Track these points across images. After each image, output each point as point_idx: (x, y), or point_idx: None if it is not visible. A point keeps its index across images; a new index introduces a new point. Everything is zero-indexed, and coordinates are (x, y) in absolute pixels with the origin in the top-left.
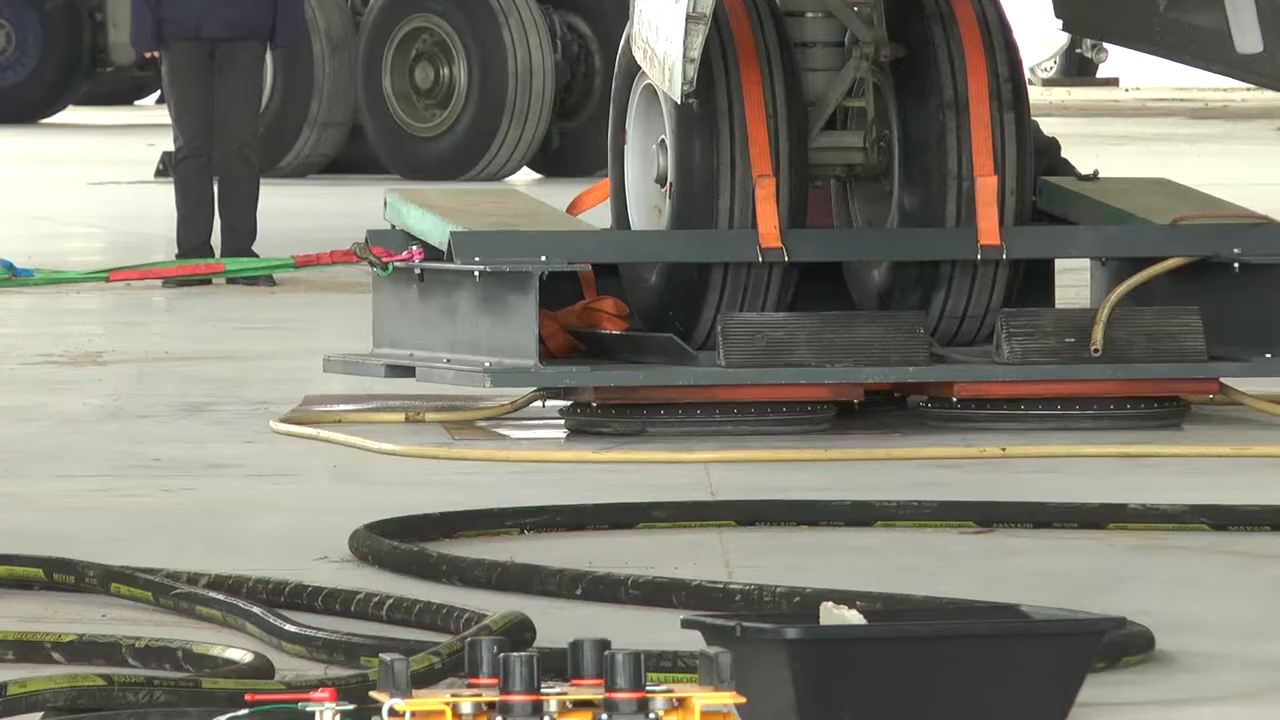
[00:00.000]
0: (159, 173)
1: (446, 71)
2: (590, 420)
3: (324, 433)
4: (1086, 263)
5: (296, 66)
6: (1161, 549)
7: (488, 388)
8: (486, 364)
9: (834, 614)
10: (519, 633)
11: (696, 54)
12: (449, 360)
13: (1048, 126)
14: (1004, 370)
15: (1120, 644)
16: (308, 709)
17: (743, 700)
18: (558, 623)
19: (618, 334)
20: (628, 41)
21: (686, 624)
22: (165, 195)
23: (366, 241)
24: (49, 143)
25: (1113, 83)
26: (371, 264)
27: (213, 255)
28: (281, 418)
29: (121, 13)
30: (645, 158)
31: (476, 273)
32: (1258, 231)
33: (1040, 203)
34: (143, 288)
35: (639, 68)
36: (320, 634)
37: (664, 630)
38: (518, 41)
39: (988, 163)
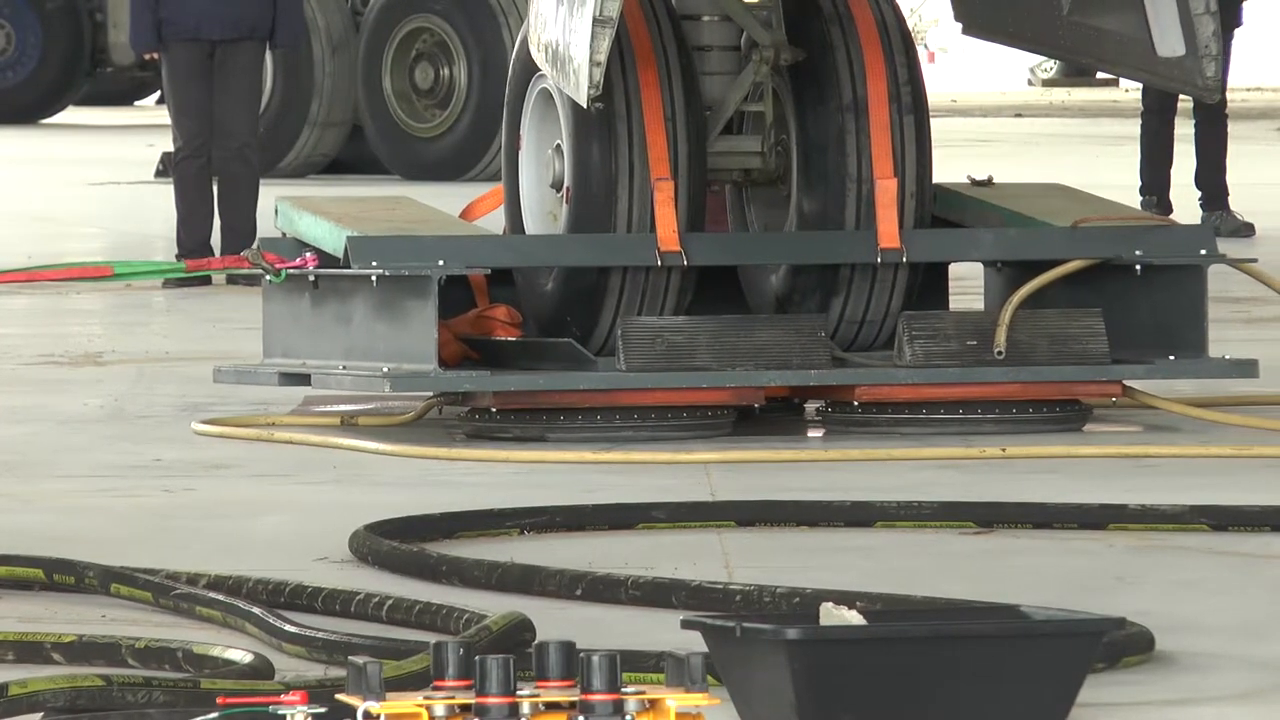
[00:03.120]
0: (159, 173)
1: (447, 72)
2: (489, 426)
3: (247, 433)
4: (975, 270)
5: (296, 67)
6: (1161, 549)
7: (387, 393)
8: (385, 369)
9: (834, 615)
10: (519, 633)
11: (603, 57)
12: (344, 367)
13: (1048, 127)
14: (906, 373)
15: (1120, 644)
16: (278, 712)
17: (717, 702)
18: (558, 623)
19: (513, 341)
20: (522, 45)
21: (686, 625)
22: (165, 195)
23: (258, 248)
24: (49, 143)
25: (1112, 83)
26: (264, 271)
27: (213, 255)
28: (205, 419)
29: (121, 13)
30: (540, 163)
31: (374, 278)
32: (1159, 233)
33: (935, 208)
34: (142, 288)
35: (533, 73)
36: (320, 634)
37: (664, 631)
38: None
39: (887, 165)
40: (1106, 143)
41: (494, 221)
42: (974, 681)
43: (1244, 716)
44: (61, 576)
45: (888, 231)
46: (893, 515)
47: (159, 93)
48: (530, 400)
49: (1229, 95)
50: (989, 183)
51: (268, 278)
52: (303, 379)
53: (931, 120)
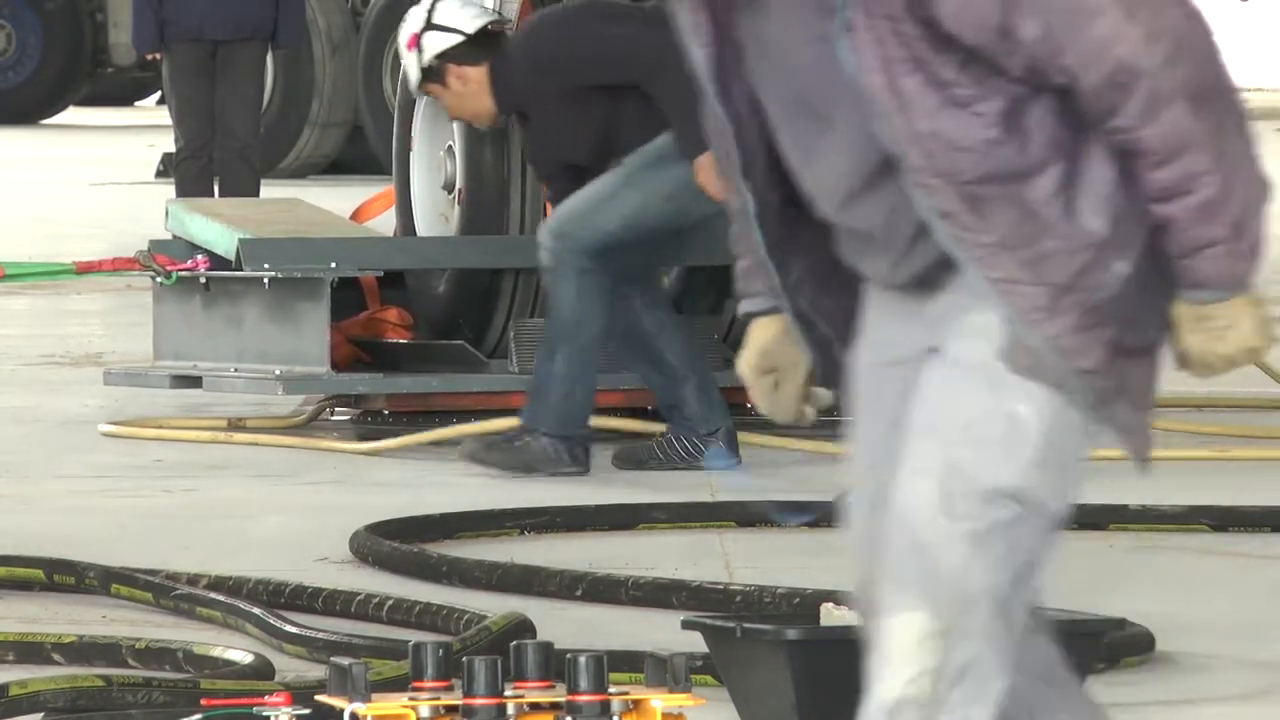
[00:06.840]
0: (159, 173)
1: None
2: (381, 429)
3: (156, 434)
4: None
5: (297, 67)
6: (1161, 549)
7: (280, 395)
8: (277, 371)
9: (834, 615)
10: (519, 634)
11: None
12: (236, 370)
13: None
14: None
15: (1120, 645)
16: (262, 713)
17: (702, 702)
18: (558, 624)
19: (405, 343)
20: None
21: (687, 625)
22: (165, 196)
23: (150, 250)
24: (49, 143)
25: None
26: (155, 273)
27: None
28: (110, 420)
29: (122, 13)
30: (432, 165)
31: (266, 280)
32: None
33: None
34: (143, 288)
35: None
36: (320, 635)
37: (664, 631)
38: None
39: None
40: None
41: (386, 224)
42: None
43: (1244, 716)
44: (62, 577)
45: None
46: None
47: (159, 93)
48: (422, 402)
49: None
50: None
51: (158, 279)
52: (194, 381)
53: None
